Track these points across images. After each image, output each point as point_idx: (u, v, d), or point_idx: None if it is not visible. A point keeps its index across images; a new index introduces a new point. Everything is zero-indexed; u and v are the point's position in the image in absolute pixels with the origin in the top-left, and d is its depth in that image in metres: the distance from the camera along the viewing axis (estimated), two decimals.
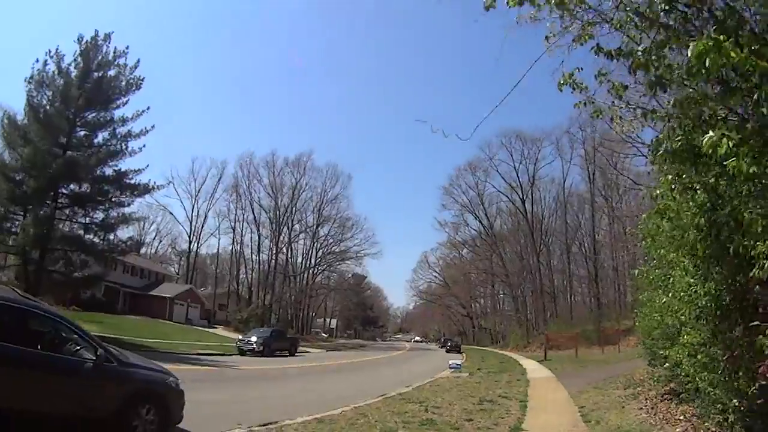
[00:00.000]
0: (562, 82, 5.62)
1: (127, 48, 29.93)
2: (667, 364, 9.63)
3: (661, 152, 4.82)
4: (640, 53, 4.35)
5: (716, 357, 6.68)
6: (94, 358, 7.13)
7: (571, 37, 5.46)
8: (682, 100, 4.25)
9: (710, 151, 3.06)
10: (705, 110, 4.50)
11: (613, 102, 5.84)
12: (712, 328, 6.52)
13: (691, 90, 4.42)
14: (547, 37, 5.55)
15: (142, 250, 74.53)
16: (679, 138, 4.61)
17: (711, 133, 3.07)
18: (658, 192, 5.78)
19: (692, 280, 6.50)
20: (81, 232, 30.31)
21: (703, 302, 6.29)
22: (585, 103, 5.84)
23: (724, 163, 3.16)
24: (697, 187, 4.94)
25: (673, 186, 5.04)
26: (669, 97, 5.49)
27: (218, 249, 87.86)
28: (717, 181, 4.66)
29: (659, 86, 4.44)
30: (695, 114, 4.52)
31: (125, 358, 8.01)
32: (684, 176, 4.95)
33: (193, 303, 63.88)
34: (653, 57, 4.28)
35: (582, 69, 5.71)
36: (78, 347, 7.27)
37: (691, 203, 5.57)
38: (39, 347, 6.94)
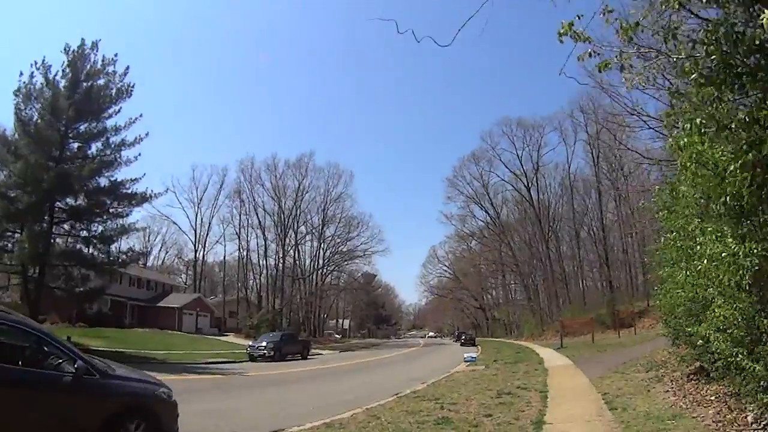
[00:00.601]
0: (562, 32, 5.05)
1: (116, 56, 29.55)
2: (700, 341, 8.88)
3: (694, 77, 4.11)
4: None
5: (764, 328, 5.93)
6: (73, 371, 6.63)
7: None
8: None
9: None
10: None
11: (621, 51, 5.21)
12: (760, 295, 5.78)
13: None
14: None
15: (149, 262, 74.84)
16: (713, 58, 3.93)
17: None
18: (684, 141, 5.11)
19: (730, 240, 5.73)
20: (80, 245, 29.75)
21: (750, 263, 5.52)
22: (590, 54, 5.20)
23: None
24: (734, 125, 4.22)
25: (703, 130, 4.35)
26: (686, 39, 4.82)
27: (224, 256, 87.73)
28: (759, 107, 3.97)
29: None
30: (727, 32, 3.83)
31: (110, 370, 7.53)
32: (717, 111, 4.24)
33: (202, 312, 63.41)
34: None
35: (582, 16, 5.08)
36: (60, 361, 6.79)
37: (724, 146, 4.86)
38: (20, 363, 6.48)
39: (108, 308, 47.10)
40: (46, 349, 6.90)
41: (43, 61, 27.90)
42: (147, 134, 30.02)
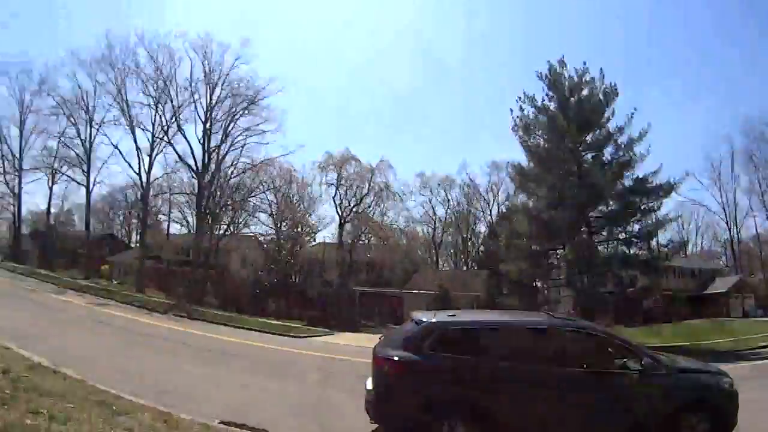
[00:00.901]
0: None
1: (585, 64, 30.53)
2: None
3: None
4: None
5: None
6: (640, 368, 7.03)
7: None
8: None
9: None
10: None
11: None
12: None
13: None
14: None
15: (689, 250, 72.82)
16: None
17: None
18: None
19: None
20: (622, 248, 30.53)
21: None
22: None
23: None
24: None
25: None
26: None
27: (756, 229, 77.81)
28: None
29: None
30: None
31: (675, 364, 7.70)
32: None
33: (746, 293, 57.67)
34: None
35: None
36: (623, 359, 7.22)
37: None
38: (584, 366, 7.12)
39: (657, 303, 47.35)
40: (610, 350, 7.41)
41: (525, 93, 30.67)
42: (649, 125, 29.44)
